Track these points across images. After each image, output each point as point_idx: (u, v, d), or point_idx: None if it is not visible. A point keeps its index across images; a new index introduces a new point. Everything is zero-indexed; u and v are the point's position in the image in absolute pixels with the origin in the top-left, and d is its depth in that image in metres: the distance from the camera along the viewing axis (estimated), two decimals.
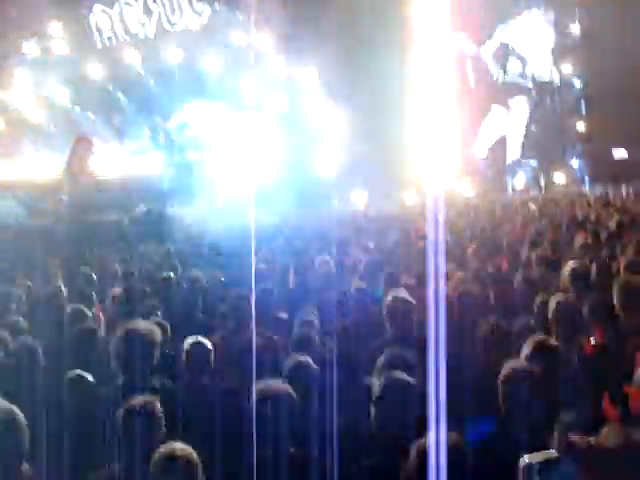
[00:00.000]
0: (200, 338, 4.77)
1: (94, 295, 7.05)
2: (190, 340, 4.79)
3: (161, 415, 3.56)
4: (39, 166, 20.20)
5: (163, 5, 27.45)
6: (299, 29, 23.95)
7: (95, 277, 7.96)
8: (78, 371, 4.59)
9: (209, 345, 4.72)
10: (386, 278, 7.04)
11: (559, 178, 28.10)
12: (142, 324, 4.76)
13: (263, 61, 28.18)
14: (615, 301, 4.94)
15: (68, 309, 6.06)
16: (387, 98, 24.33)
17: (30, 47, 26.69)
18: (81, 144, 13.94)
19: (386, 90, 24.10)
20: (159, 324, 5.32)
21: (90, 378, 4.57)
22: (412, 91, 25.74)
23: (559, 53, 30.26)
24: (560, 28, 30.15)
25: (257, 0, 27.65)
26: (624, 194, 18.66)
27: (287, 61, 27.92)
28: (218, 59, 27.59)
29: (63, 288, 6.75)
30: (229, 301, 6.49)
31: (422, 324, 4.32)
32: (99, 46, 27.51)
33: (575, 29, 29.91)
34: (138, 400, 3.59)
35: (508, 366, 3.77)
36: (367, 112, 24.80)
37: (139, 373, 4.30)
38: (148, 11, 27.40)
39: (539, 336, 4.33)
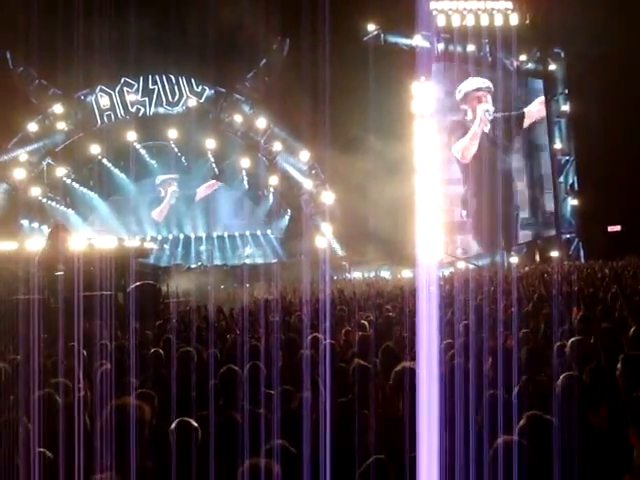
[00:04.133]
0: (186, 418, 4.67)
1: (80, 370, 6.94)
2: (177, 420, 4.69)
3: None
4: (36, 240, 20.24)
5: (163, 86, 28.16)
6: (293, 112, 24.41)
7: (84, 352, 7.86)
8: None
9: (194, 424, 4.61)
10: None
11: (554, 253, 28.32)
12: (131, 400, 4.67)
13: (258, 144, 28.90)
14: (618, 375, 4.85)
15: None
16: (382, 180, 24.71)
17: (33, 126, 27.22)
18: (57, 231, 14.02)
19: (378, 170, 24.52)
20: (147, 396, 5.21)
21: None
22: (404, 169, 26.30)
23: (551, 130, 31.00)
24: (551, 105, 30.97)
25: (254, 85, 28.52)
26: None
27: (282, 144, 28.67)
28: (214, 140, 28.22)
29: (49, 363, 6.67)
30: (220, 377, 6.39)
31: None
32: (99, 124, 28.06)
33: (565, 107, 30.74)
34: None
35: (499, 440, 3.71)
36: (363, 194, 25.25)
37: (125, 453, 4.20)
38: (148, 91, 28.08)
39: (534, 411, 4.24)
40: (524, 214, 30.89)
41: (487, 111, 29.50)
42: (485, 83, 29.92)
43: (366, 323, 8.94)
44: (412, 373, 4.64)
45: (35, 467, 3.87)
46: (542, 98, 31.06)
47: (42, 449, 4.10)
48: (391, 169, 25.05)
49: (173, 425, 4.57)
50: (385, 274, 25.09)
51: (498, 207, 26.85)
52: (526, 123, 30.83)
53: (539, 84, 31.27)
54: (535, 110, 30.98)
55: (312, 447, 4.12)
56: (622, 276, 12.73)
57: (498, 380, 4.70)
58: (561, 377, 4.78)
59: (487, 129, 29.66)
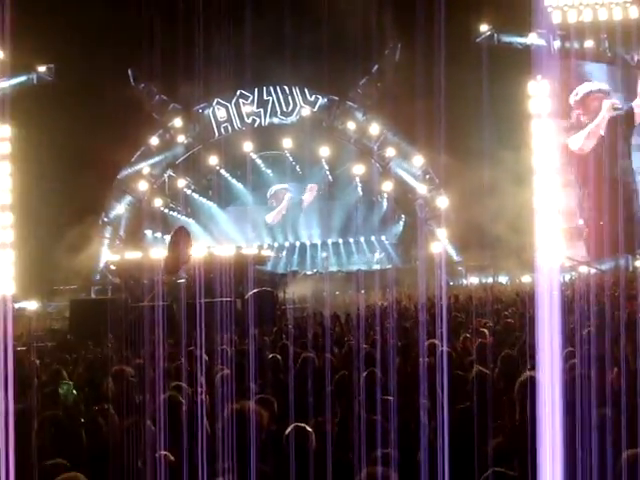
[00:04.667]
0: (301, 424, 4.70)
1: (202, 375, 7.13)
2: (292, 425, 4.73)
3: None
4: (159, 250, 21.06)
5: (277, 97, 28.70)
6: (406, 117, 24.30)
7: (206, 357, 8.08)
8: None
9: (309, 429, 4.63)
10: None
11: None
12: (249, 405, 4.75)
13: (372, 150, 28.95)
14: None
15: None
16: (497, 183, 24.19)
17: (155, 140, 28.39)
18: (180, 233, 14.47)
19: (494, 173, 24.00)
20: (266, 401, 5.29)
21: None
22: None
23: None
24: None
25: (366, 92, 28.59)
26: None
27: (395, 149, 28.60)
28: (328, 147, 28.49)
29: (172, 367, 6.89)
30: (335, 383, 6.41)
31: None
32: (216, 136, 28.90)
33: None
34: None
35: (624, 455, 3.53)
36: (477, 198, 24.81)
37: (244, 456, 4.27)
38: (263, 102, 28.70)
39: None
40: None
41: (614, 105, 28.24)
42: (604, 87, 28.74)
43: (485, 330, 8.75)
44: (533, 382, 4.48)
45: (159, 470, 4.00)
46: None
47: (165, 452, 4.23)
48: (508, 171, 24.45)
49: (288, 430, 4.62)
50: (503, 279, 24.52)
51: (619, 208, 25.69)
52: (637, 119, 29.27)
53: None
54: None
55: (429, 455, 4.05)
56: None
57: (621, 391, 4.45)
58: None
59: (602, 131, 28.47)
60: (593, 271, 25.36)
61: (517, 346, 7.28)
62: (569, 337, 6.85)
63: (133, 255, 21.95)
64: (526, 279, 23.19)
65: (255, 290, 14.97)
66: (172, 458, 4.27)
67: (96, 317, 13.41)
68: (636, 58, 28.87)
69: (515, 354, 6.40)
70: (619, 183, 26.05)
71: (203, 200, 29.53)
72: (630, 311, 9.57)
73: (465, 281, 26.52)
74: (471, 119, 24.38)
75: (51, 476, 3.74)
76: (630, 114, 28.94)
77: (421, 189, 28.72)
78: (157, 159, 28.68)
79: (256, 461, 4.29)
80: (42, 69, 26.49)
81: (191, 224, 28.96)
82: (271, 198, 30.03)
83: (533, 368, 5.10)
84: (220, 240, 26.46)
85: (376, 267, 27.90)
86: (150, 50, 22.15)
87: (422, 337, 7.71)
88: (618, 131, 27.90)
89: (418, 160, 28.26)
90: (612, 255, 27.83)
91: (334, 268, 28.13)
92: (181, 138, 28.72)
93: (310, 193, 29.88)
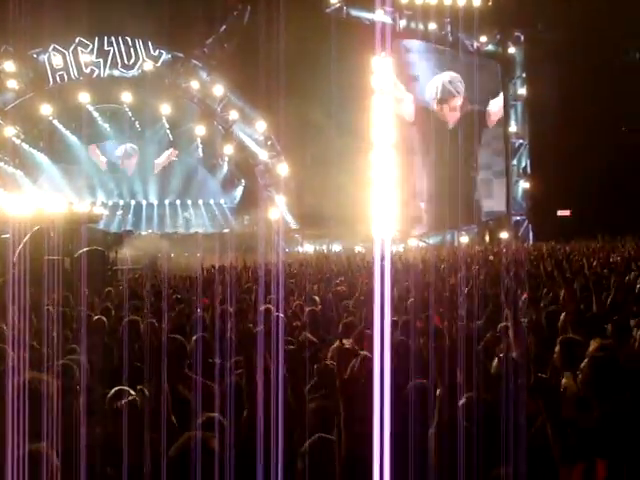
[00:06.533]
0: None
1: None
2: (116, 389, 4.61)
3: None
4: None
5: (119, 48, 27.50)
6: (251, 81, 24.14)
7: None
8: None
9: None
10: None
11: (504, 234, 28.75)
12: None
13: (214, 111, 28.56)
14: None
15: None
16: (338, 154, 24.69)
17: None
18: None
19: (334, 144, 24.50)
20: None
21: None
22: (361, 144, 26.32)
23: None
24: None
25: (212, 52, 28.07)
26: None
27: (238, 113, 28.38)
28: (169, 105, 27.80)
29: None
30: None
31: None
32: (51, 84, 27.32)
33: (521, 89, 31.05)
34: None
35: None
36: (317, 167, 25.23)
37: None
38: (103, 53, 27.42)
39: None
40: (476, 195, 31.18)
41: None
42: (457, 80, 30.13)
43: (316, 297, 8.93)
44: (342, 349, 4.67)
45: None
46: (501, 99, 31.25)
47: None
48: (347, 143, 25.03)
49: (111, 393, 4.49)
50: (337, 248, 25.16)
51: (452, 187, 27.07)
52: (489, 122, 31.05)
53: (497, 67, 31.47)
54: (497, 109, 31.19)
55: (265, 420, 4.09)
56: (571, 260, 12.95)
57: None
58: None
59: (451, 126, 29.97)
60: (422, 244, 26.62)
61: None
62: (396, 306, 7.15)
63: None
64: (358, 249, 23.94)
65: (85, 249, 14.41)
66: None
67: None
68: (475, 45, 30.32)
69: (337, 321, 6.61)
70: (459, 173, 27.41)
71: (34, 151, 27.91)
72: (453, 283, 10.10)
73: (301, 248, 26.96)
74: (316, 89, 24.63)
75: None
76: (483, 114, 30.56)
77: (262, 155, 28.77)
78: None
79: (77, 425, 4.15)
80: None
81: (19, 176, 27.36)
82: (119, 158, 29.03)
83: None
84: (51, 195, 25.16)
85: (214, 231, 27.76)
86: None
87: (259, 301, 7.76)
88: (468, 129, 29.31)
89: (261, 126, 28.23)
90: (440, 230, 29.41)
91: (170, 230, 27.68)
92: (12, 83, 26.82)
93: (167, 158, 29.18)
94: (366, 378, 3.50)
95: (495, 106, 31.10)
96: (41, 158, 27.96)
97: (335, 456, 3.60)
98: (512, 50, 31.18)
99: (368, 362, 3.77)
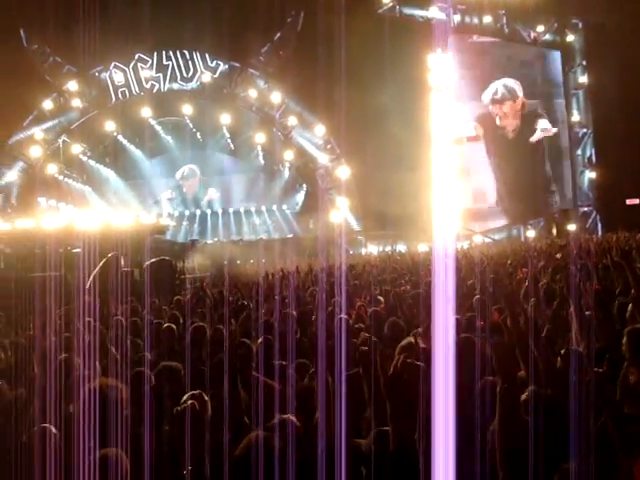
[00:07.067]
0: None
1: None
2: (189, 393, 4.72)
3: None
4: (52, 218, 20.38)
5: (177, 62, 28.05)
6: (308, 86, 24.31)
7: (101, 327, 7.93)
8: None
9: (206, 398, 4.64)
10: None
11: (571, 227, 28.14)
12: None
13: (273, 118, 28.82)
14: None
15: None
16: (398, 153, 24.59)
17: (48, 104, 27.27)
18: None
19: (394, 143, 24.39)
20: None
21: None
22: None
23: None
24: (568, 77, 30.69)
25: (268, 60, 28.35)
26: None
27: (297, 118, 28.56)
28: (229, 115, 28.19)
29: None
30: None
31: None
32: (113, 101, 28.05)
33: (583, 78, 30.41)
34: None
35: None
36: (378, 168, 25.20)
37: None
38: (162, 67, 28.01)
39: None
40: (542, 188, 30.63)
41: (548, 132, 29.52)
42: (515, 86, 29.76)
43: (380, 298, 8.92)
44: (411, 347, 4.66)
45: (44, 443, 3.90)
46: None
47: (49, 425, 4.14)
48: (407, 142, 24.89)
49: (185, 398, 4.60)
50: (401, 248, 25.05)
51: (518, 181, 26.69)
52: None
53: (557, 55, 30.90)
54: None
55: (327, 418, 4.12)
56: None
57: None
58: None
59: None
60: (487, 240, 26.30)
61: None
62: (462, 304, 7.09)
63: (25, 224, 21.10)
64: (423, 248, 23.78)
65: (153, 259, 14.74)
66: (55, 432, 4.17)
67: None
68: (532, 35, 29.84)
69: (402, 321, 6.60)
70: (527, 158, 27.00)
71: (100, 167, 28.70)
72: (520, 279, 9.96)
73: (365, 250, 26.95)
74: (372, 89, 24.63)
75: None
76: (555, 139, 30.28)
77: (322, 159, 28.87)
78: (51, 124, 27.58)
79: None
80: None
81: (87, 191, 28.18)
82: (180, 180, 29.67)
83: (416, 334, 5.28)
84: (118, 209, 25.83)
85: (275, 236, 28.01)
86: (43, 9, 21.20)
87: (321, 305, 7.80)
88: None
89: (320, 130, 28.35)
90: (506, 225, 29.00)
91: (235, 237, 28.04)
92: (76, 102, 27.69)
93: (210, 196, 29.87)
94: (426, 374, 3.51)
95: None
96: (107, 173, 28.74)
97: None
98: (570, 38, 30.53)
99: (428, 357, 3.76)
